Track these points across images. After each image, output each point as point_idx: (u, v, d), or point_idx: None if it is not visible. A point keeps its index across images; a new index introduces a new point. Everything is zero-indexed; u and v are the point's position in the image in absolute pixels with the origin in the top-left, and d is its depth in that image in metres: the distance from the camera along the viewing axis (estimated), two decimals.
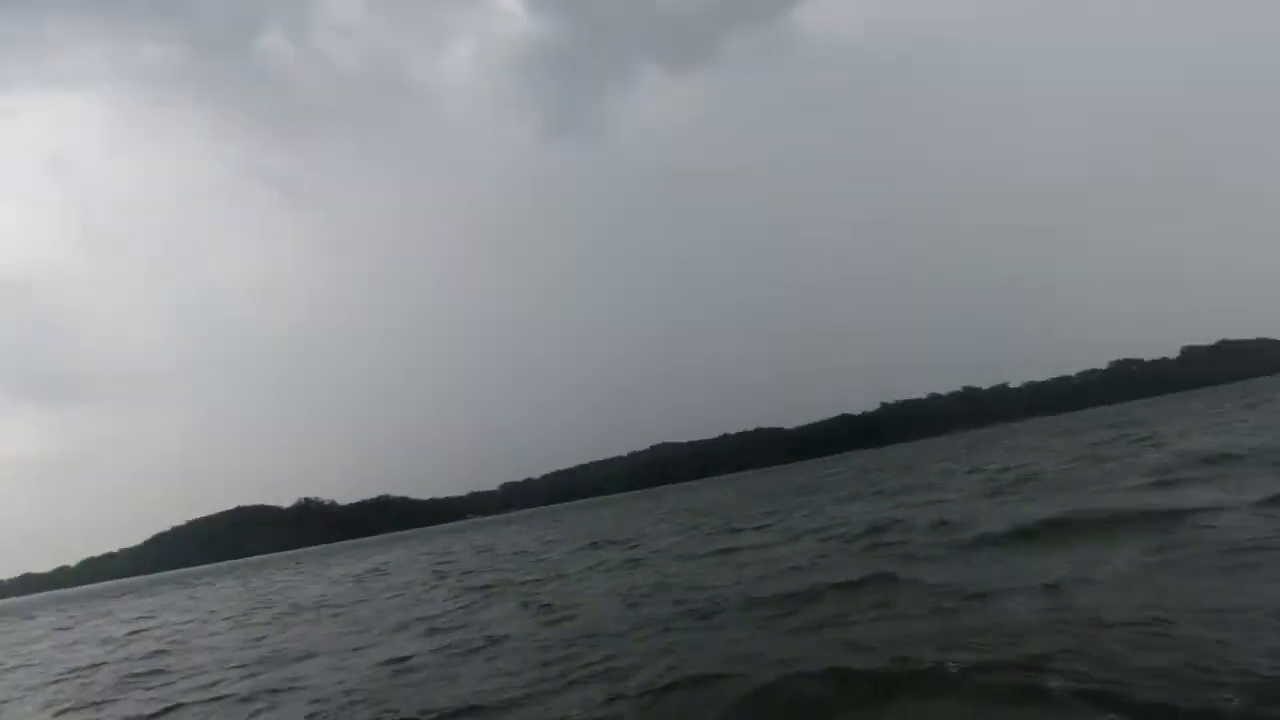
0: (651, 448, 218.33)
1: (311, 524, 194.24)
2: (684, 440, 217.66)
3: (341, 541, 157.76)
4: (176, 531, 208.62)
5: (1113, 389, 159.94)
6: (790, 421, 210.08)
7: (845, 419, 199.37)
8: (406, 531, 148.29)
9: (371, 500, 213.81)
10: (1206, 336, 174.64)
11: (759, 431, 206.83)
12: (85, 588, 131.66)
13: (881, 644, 5.07)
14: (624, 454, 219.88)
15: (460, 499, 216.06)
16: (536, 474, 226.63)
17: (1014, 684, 3.87)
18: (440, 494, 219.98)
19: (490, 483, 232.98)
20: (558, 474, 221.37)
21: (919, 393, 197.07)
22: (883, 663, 4.61)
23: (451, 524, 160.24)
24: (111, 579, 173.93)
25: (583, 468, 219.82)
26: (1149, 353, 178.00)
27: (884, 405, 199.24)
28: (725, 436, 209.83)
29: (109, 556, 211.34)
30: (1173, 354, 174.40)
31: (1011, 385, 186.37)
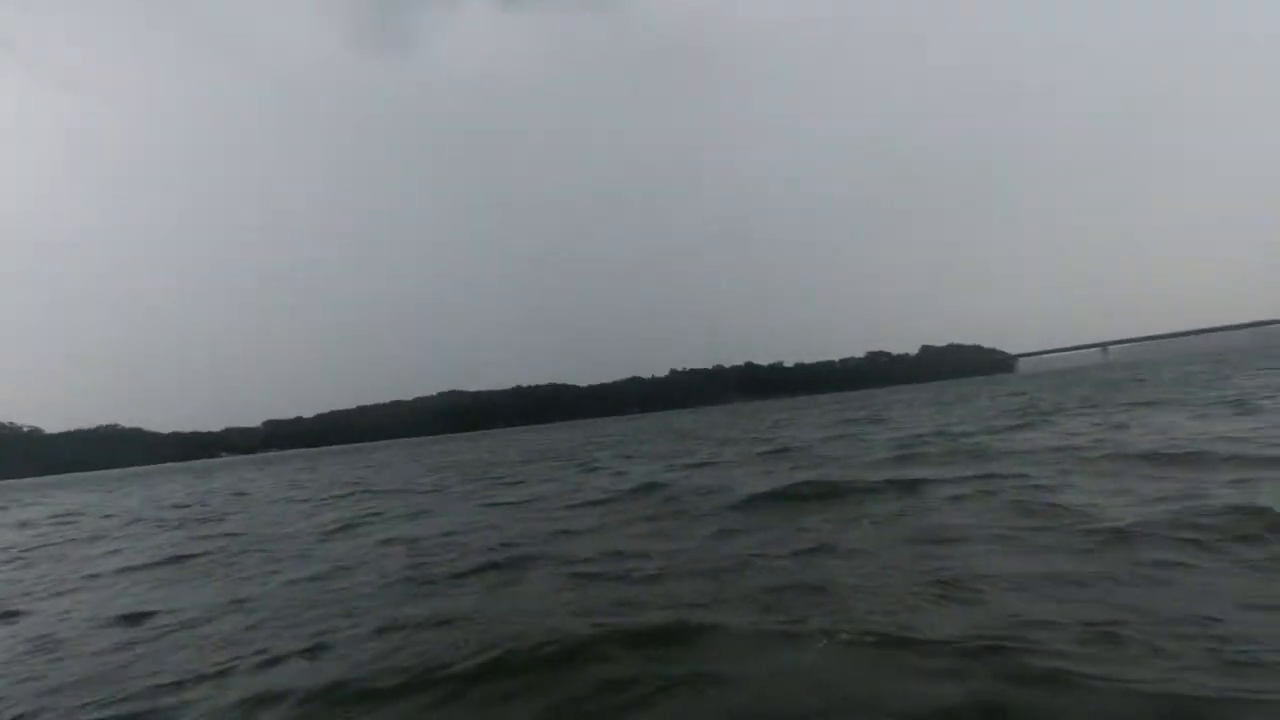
0: (440, 394, 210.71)
1: (3, 455, 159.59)
2: (474, 390, 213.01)
3: (46, 477, 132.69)
4: None
5: (867, 375, 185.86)
6: (583, 380, 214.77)
7: (636, 382, 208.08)
8: (139, 469, 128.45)
9: (93, 430, 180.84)
10: (940, 339, 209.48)
11: (551, 386, 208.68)
12: None
13: (657, 600, 5.10)
14: (409, 399, 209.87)
15: (213, 435, 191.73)
16: (308, 412, 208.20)
17: (781, 631, 4.13)
18: (187, 427, 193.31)
19: (252, 418, 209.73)
20: (334, 414, 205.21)
21: (706, 364, 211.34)
22: (658, 616, 4.62)
23: (201, 461, 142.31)
24: None
25: (362, 410, 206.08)
26: (896, 348, 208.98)
27: (674, 372, 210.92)
28: (518, 389, 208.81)
29: None
30: (914, 350, 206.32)
31: (786, 364, 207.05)
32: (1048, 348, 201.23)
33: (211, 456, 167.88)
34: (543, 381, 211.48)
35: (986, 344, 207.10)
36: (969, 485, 8.50)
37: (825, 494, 8.86)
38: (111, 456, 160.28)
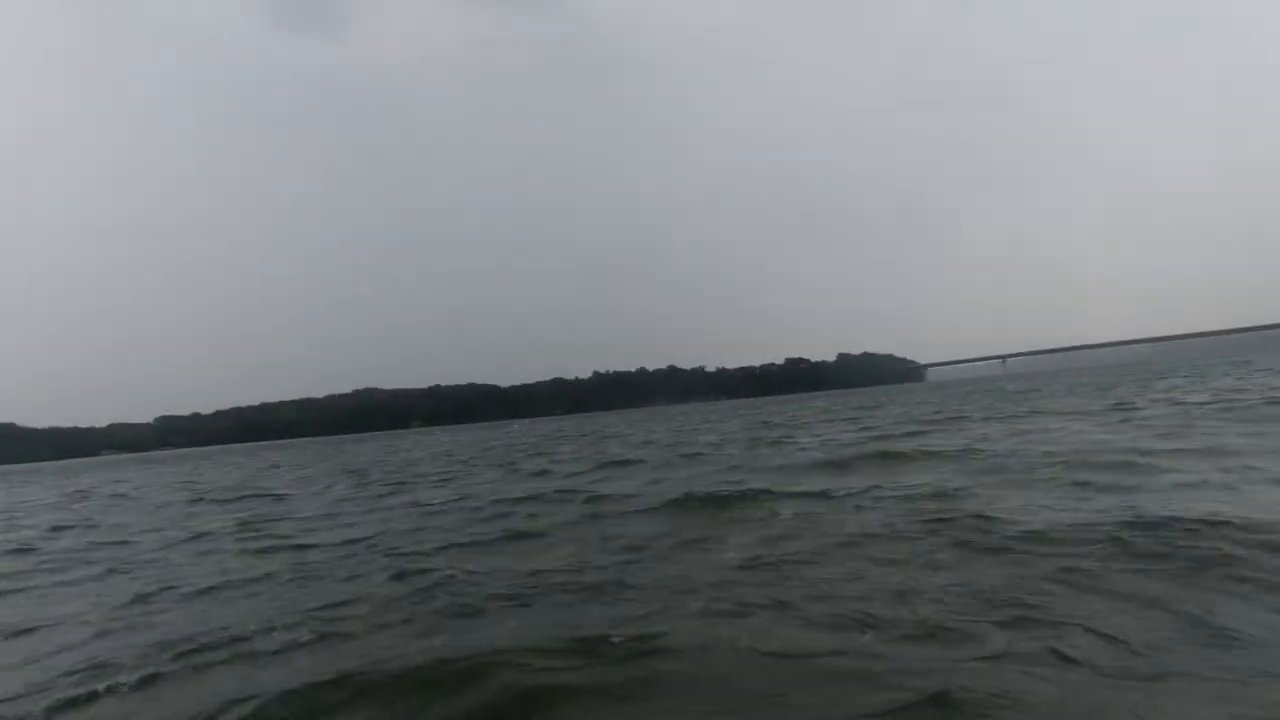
0: (354, 392, 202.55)
1: None
2: (390, 388, 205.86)
3: None
4: None
5: (786, 380, 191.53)
6: (505, 380, 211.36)
7: (559, 383, 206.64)
8: (5, 467, 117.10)
9: None
10: (856, 348, 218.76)
11: (472, 386, 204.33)
12: None
13: (581, 606, 4.92)
14: (320, 396, 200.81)
15: (96, 431, 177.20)
16: (207, 408, 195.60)
17: (715, 638, 3.99)
18: (67, 422, 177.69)
19: (142, 414, 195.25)
20: (236, 411, 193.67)
21: (630, 366, 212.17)
22: (588, 627, 4.39)
23: (81, 460, 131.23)
24: None
25: (268, 407, 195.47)
26: (815, 355, 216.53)
27: (597, 374, 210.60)
28: (437, 388, 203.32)
29: None
30: (831, 358, 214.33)
31: (708, 369, 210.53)
32: (953, 359, 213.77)
33: (94, 455, 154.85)
34: (462, 381, 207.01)
35: (899, 354, 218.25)
36: (889, 491, 8.63)
37: (747, 499, 8.80)
38: None
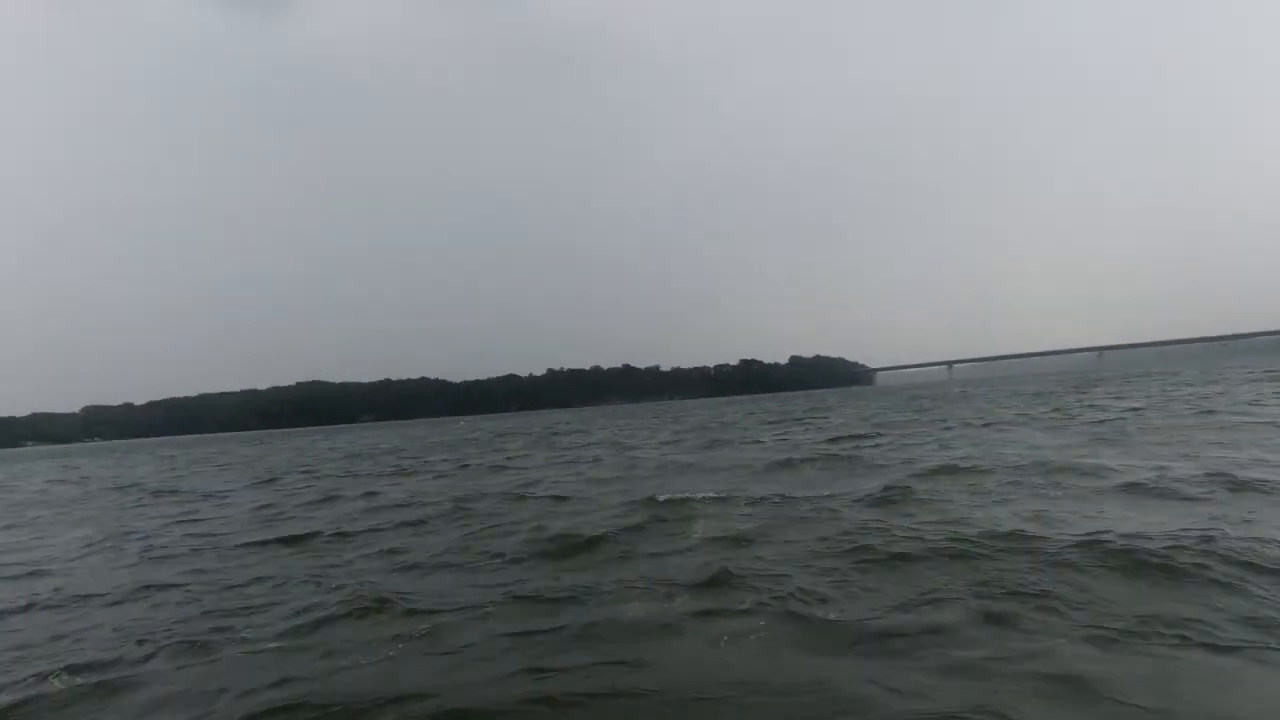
0: (299, 384, 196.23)
1: None
2: (338, 381, 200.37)
3: None
4: None
5: (739, 382, 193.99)
6: (457, 375, 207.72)
7: (512, 379, 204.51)
8: None
9: None
10: (808, 351, 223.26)
11: (424, 381, 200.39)
12: None
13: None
14: (263, 388, 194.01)
15: (16, 420, 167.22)
16: (139, 398, 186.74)
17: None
18: None
19: (69, 403, 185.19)
20: (172, 401, 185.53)
21: (585, 364, 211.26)
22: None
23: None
24: None
25: (206, 398, 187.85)
26: (767, 357, 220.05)
27: (551, 371, 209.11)
28: (387, 382, 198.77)
29: None
30: (783, 360, 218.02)
31: (663, 369, 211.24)
32: (902, 364, 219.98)
33: (13, 445, 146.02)
34: (414, 376, 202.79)
35: (850, 358, 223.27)
36: (847, 493, 8.66)
37: (708, 502, 8.70)
38: None
